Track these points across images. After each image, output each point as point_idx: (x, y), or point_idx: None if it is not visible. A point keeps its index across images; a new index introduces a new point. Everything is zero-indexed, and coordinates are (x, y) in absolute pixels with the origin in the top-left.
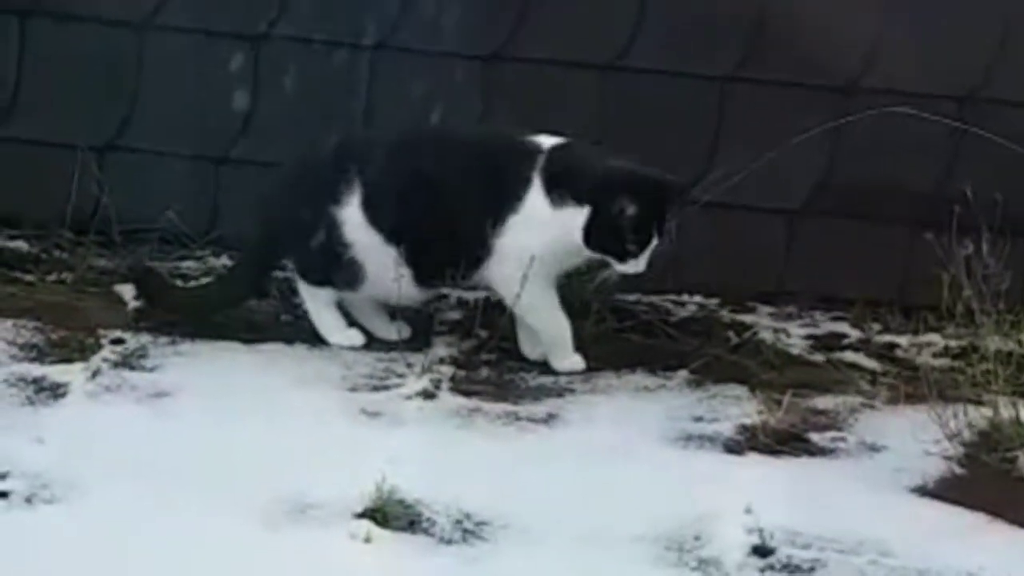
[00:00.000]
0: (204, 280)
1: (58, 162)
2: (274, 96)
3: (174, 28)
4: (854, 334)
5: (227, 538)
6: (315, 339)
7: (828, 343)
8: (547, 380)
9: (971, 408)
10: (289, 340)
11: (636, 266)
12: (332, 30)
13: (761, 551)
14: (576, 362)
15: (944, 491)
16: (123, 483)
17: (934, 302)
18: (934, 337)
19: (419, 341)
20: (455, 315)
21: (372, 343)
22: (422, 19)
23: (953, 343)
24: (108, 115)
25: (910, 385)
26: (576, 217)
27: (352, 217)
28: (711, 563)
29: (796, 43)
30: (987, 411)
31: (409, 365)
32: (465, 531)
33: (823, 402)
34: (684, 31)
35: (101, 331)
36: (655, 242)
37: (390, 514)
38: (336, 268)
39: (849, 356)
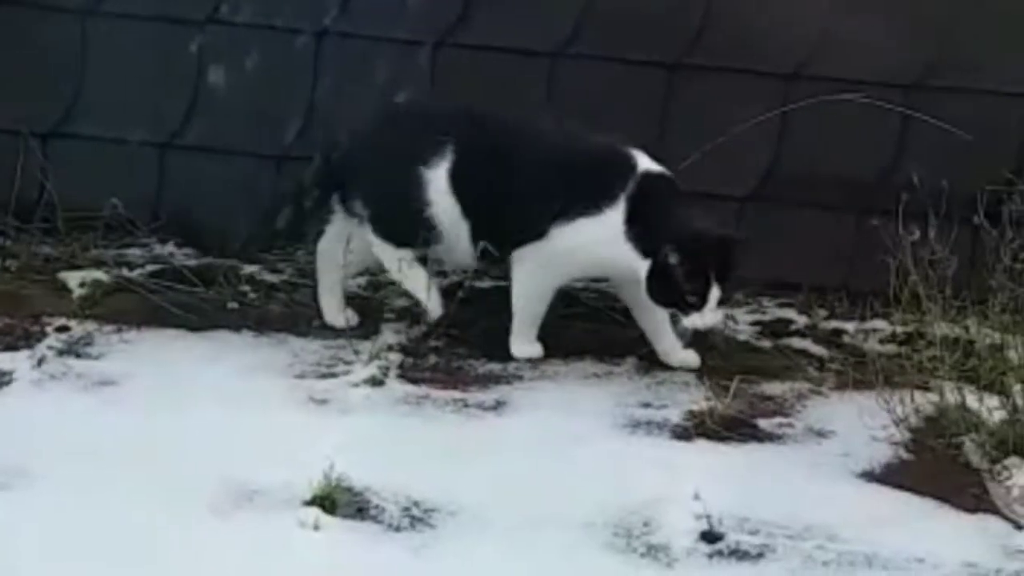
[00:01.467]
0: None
1: (2, 149)
2: (220, 82)
3: (118, 14)
4: (801, 320)
5: (174, 525)
6: (262, 327)
7: (775, 329)
8: (495, 367)
9: (918, 394)
10: (236, 328)
11: (703, 320)
12: (280, 15)
13: (709, 537)
14: (536, 350)
15: (891, 476)
16: (69, 470)
17: (881, 288)
18: (881, 323)
19: (367, 328)
20: (402, 302)
21: (320, 331)
22: (372, 5)
23: (900, 329)
24: (53, 102)
25: (857, 371)
26: (640, 267)
27: (437, 180)
28: (660, 549)
29: (743, 30)
30: (933, 397)
31: (357, 352)
32: (414, 518)
33: (771, 388)
34: (631, 18)
35: (46, 319)
36: (716, 294)
37: (338, 501)
38: (415, 225)
39: (796, 342)
